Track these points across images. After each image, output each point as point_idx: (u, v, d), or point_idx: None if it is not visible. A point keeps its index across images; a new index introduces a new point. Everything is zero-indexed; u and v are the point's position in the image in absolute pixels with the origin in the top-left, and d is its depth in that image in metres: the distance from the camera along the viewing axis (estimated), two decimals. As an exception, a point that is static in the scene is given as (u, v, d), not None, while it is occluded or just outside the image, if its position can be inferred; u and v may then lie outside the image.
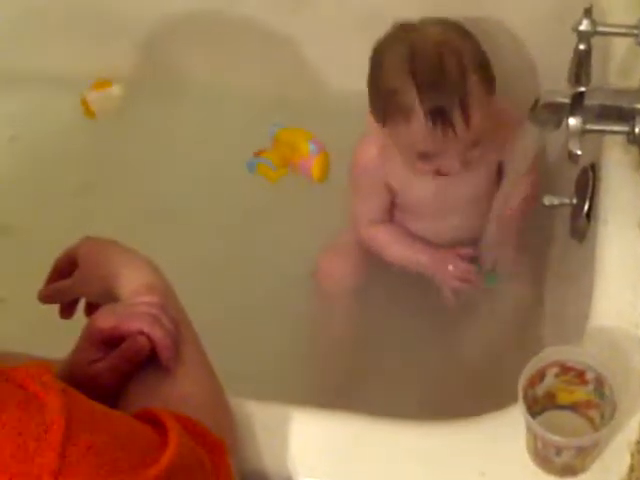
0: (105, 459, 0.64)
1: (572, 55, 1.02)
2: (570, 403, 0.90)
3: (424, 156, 1.26)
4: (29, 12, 1.69)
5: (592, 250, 1.05)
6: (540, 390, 0.88)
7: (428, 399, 1.21)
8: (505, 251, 1.35)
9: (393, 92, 1.23)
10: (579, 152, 1.00)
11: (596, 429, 0.87)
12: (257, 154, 1.61)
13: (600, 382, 0.86)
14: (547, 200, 1.20)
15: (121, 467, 0.65)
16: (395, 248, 1.37)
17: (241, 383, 0.92)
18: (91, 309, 0.96)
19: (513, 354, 0.97)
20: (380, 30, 1.29)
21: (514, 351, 1.04)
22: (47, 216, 1.58)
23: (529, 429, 0.85)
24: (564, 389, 0.89)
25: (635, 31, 1.04)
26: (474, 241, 1.37)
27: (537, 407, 0.88)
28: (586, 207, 1.14)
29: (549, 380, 0.88)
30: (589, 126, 1.01)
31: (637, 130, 1.02)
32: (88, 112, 1.70)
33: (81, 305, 0.99)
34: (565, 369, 0.87)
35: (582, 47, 1.00)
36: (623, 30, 1.06)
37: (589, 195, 1.13)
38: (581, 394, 0.88)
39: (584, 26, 0.99)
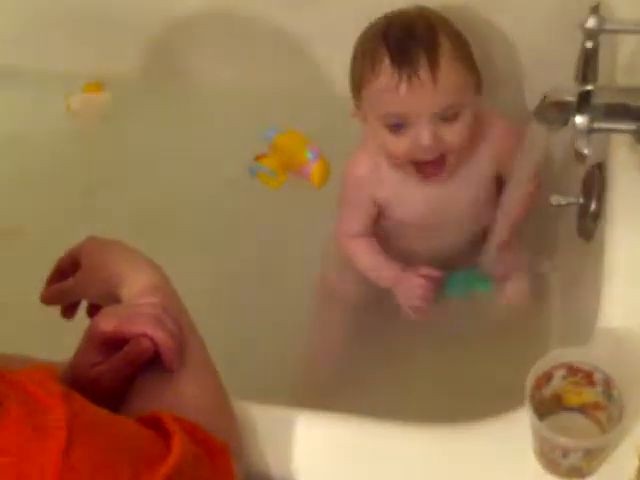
0: (107, 465, 0.64)
1: (579, 53, 1.02)
2: (578, 405, 0.89)
3: (394, 127, 1.25)
4: (33, 13, 1.69)
5: (600, 250, 1.05)
6: (547, 392, 0.88)
7: (433, 402, 1.20)
8: (504, 258, 1.34)
9: (365, 54, 1.26)
10: (586, 151, 0.99)
11: (604, 431, 0.87)
12: (257, 159, 1.61)
13: (608, 384, 0.85)
14: (554, 200, 1.19)
15: (123, 473, 0.64)
16: (364, 259, 1.39)
17: (244, 386, 0.92)
18: (94, 310, 0.96)
19: (519, 356, 0.96)
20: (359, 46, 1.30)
21: (520, 352, 1.03)
22: (50, 218, 1.57)
23: (536, 431, 0.85)
24: (571, 391, 0.88)
25: (642, 28, 1.03)
26: (467, 256, 1.36)
27: (544, 409, 0.87)
28: (593, 206, 1.13)
29: (556, 382, 0.87)
30: (596, 125, 1.00)
31: (645, 129, 1.02)
32: (72, 114, 1.71)
33: (83, 305, 0.98)
34: (573, 370, 0.87)
35: (589, 45, 0.99)
36: (631, 27, 1.06)
37: (596, 194, 1.13)
38: (589, 396, 0.88)
39: (591, 23, 0.98)
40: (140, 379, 0.83)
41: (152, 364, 0.82)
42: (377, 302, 1.39)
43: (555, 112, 1.04)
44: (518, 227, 1.34)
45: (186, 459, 0.70)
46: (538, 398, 0.86)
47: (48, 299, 0.97)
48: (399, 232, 1.39)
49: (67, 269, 0.96)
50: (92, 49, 1.70)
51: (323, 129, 1.59)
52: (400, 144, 1.26)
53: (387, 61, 1.23)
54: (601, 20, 0.99)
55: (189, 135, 1.66)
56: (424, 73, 1.21)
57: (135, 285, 0.88)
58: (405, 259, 1.38)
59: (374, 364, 1.34)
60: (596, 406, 0.88)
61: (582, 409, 0.89)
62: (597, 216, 1.13)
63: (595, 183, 1.14)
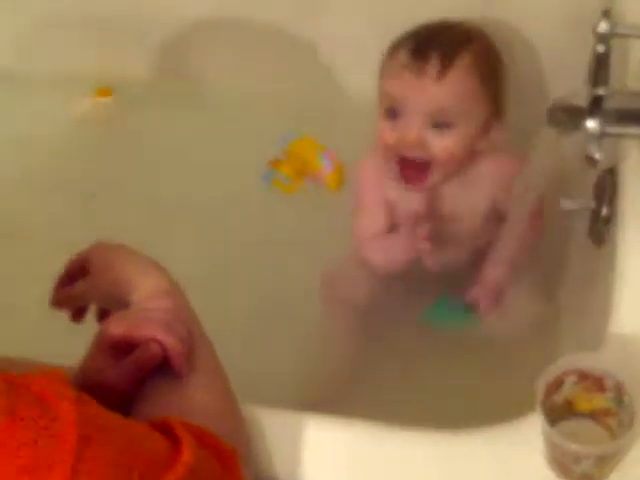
0: (118, 469, 0.64)
1: (590, 57, 1.02)
2: (589, 411, 0.89)
3: (390, 114, 1.26)
4: (40, 16, 1.69)
5: (612, 255, 1.05)
6: (558, 398, 0.87)
7: (442, 406, 1.20)
8: (490, 293, 1.34)
9: (394, 43, 1.29)
10: (597, 156, 0.99)
11: (615, 437, 0.86)
12: (272, 165, 1.61)
13: (619, 390, 0.85)
14: (565, 204, 1.19)
15: (135, 476, 0.64)
16: (380, 249, 1.35)
17: (252, 390, 0.92)
18: (102, 314, 0.97)
19: (531, 362, 0.96)
20: (395, 37, 1.31)
21: (532, 358, 1.03)
22: (55, 220, 1.57)
23: (547, 437, 0.85)
24: (582, 397, 0.88)
25: (654, 33, 1.03)
26: (464, 277, 1.36)
27: (555, 415, 0.87)
28: (605, 211, 1.13)
29: (567, 388, 0.87)
30: (607, 129, 1.00)
31: (657, 133, 1.01)
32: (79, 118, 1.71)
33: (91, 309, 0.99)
34: (583, 376, 0.86)
35: (600, 49, 0.99)
36: (643, 32, 1.05)
37: (608, 199, 1.13)
38: (600, 402, 0.87)
39: (602, 28, 0.98)
40: (149, 384, 0.83)
41: (161, 369, 0.82)
42: (382, 304, 1.39)
43: (566, 116, 1.04)
44: (517, 263, 1.33)
45: (196, 463, 0.70)
46: (549, 404, 0.86)
47: (57, 303, 0.97)
48: None
49: (76, 273, 0.96)
50: (100, 53, 1.70)
51: (336, 134, 1.60)
52: (390, 133, 1.27)
53: (406, 50, 1.26)
54: (612, 24, 0.99)
55: (198, 140, 1.66)
56: (431, 70, 1.23)
57: (144, 290, 0.88)
58: (405, 272, 1.37)
59: (380, 367, 1.34)
60: (607, 412, 0.87)
61: (593, 415, 0.89)
62: (608, 221, 1.12)
63: (607, 188, 1.14)
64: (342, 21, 1.59)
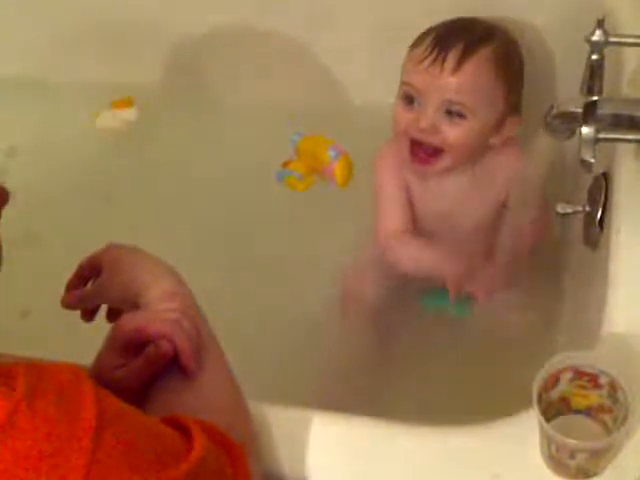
0: (133, 455, 0.66)
1: (585, 65, 1.04)
2: (584, 408, 0.90)
3: (407, 99, 1.29)
4: (62, 26, 1.71)
5: (605, 258, 1.06)
6: (554, 394, 0.89)
7: (444, 404, 1.21)
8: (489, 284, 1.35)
9: (422, 33, 1.32)
10: (592, 160, 1.01)
11: (609, 433, 0.88)
12: (284, 165, 1.63)
13: (613, 387, 0.87)
14: (560, 208, 1.21)
15: (148, 464, 0.66)
16: (412, 252, 1.36)
17: (259, 388, 0.93)
18: (113, 314, 0.98)
19: (527, 359, 0.98)
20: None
21: (528, 356, 1.05)
22: (70, 226, 1.58)
23: (543, 433, 0.86)
24: (578, 394, 0.90)
25: (647, 42, 1.05)
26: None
27: (552, 411, 0.89)
28: (599, 215, 1.15)
29: (563, 384, 0.89)
30: (602, 135, 1.02)
31: (649, 139, 1.03)
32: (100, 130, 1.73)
33: (102, 308, 1.00)
34: (579, 374, 0.88)
35: (595, 57, 1.01)
36: (635, 40, 1.07)
37: (602, 203, 1.14)
38: (595, 398, 0.89)
39: (597, 36, 1.00)
40: (159, 382, 0.85)
41: (171, 367, 0.84)
42: (395, 304, 1.39)
43: (562, 123, 1.06)
44: (518, 260, 1.34)
45: (206, 456, 0.72)
46: (546, 400, 0.87)
47: (69, 304, 0.98)
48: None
49: (88, 274, 0.97)
50: (118, 63, 1.72)
51: (344, 141, 1.61)
52: (405, 115, 1.30)
53: (429, 41, 1.29)
54: (606, 33, 1.01)
55: (213, 147, 1.67)
56: (449, 61, 1.26)
57: (155, 291, 0.89)
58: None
59: (390, 365, 1.34)
60: (601, 408, 0.89)
61: (588, 412, 0.90)
62: (602, 224, 1.14)
63: (601, 192, 1.15)
64: (344, 33, 1.61)
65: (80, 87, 1.72)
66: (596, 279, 1.10)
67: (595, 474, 0.88)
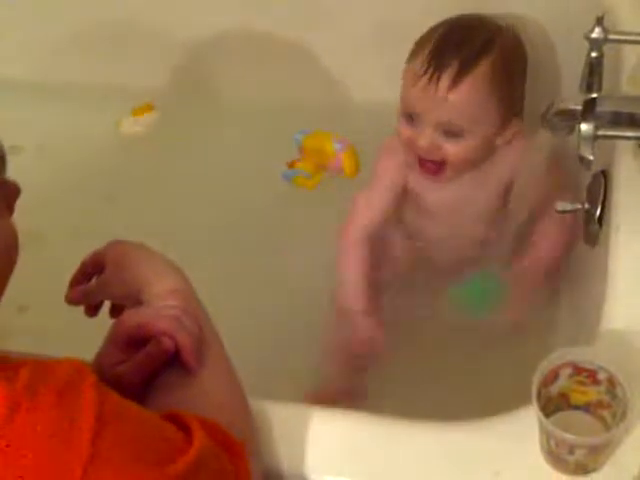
0: (133, 450, 0.66)
1: (584, 63, 1.04)
2: (583, 403, 0.91)
3: (407, 116, 1.28)
4: (78, 32, 1.73)
5: (604, 255, 1.07)
6: (554, 390, 0.89)
7: (443, 400, 1.21)
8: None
9: (420, 39, 1.30)
10: (591, 157, 1.01)
11: (608, 429, 0.88)
12: (290, 165, 1.64)
13: (612, 383, 0.87)
14: (560, 206, 1.21)
15: (148, 459, 0.67)
16: (350, 270, 1.35)
17: (259, 384, 0.94)
18: (116, 310, 0.98)
19: (527, 355, 0.98)
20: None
21: (528, 352, 1.05)
22: (75, 225, 1.59)
23: (542, 428, 0.87)
24: (577, 390, 0.90)
25: (646, 39, 1.05)
26: (473, 260, 1.38)
27: (551, 407, 0.89)
28: (598, 212, 1.15)
29: (562, 380, 0.89)
30: (601, 132, 1.02)
31: (648, 136, 1.04)
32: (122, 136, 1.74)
33: (105, 305, 1.00)
34: (578, 369, 0.88)
35: (594, 55, 1.01)
36: (634, 38, 1.08)
37: (601, 200, 1.15)
38: (593, 394, 0.89)
39: (596, 34, 1.00)
40: (161, 378, 0.85)
41: (172, 363, 0.84)
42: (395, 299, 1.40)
43: (561, 120, 1.07)
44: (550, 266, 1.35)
45: (206, 453, 0.72)
46: (545, 396, 0.88)
47: (73, 299, 0.98)
48: (419, 228, 1.40)
49: (91, 270, 0.98)
50: (118, 63, 1.74)
51: (344, 136, 1.62)
52: (407, 132, 1.29)
53: (425, 55, 1.26)
54: (605, 31, 1.01)
55: (221, 149, 1.68)
56: (445, 81, 1.24)
57: (157, 288, 0.89)
58: (419, 263, 1.40)
59: (387, 362, 1.35)
60: (600, 404, 0.89)
61: (587, 407, 0.91)
62: (601, 222, 1.14)
63: (600, 189, 1.15)
64: (342, 31, 1.62)
65: (80, 88, 1.73)
66: (595, 276, 1.11)
67: (594, 470, 0.88)
